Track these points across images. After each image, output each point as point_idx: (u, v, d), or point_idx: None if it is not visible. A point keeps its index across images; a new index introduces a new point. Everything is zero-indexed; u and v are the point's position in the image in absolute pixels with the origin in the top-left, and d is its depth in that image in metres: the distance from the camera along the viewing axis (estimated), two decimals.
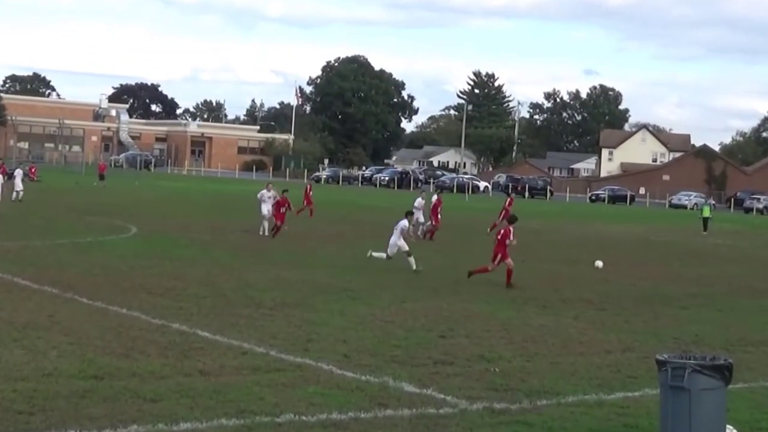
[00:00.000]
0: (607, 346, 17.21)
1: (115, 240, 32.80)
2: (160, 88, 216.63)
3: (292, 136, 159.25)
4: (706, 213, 58.79)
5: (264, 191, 38.97)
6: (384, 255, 28.19)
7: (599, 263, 30.04)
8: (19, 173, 53.67)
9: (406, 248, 27.94)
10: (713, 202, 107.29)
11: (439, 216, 40.94)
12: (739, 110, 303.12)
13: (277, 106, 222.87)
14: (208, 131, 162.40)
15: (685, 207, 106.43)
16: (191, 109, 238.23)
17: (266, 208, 37.85)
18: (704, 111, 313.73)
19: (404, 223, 28.79)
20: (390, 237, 28.59)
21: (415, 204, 40.40)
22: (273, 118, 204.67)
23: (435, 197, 42.11)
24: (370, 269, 27.43)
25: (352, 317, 18.72)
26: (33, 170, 79.19)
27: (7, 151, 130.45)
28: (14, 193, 50.21)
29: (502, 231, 26.12)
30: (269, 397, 12.17)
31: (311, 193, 52.33)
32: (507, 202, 48.23)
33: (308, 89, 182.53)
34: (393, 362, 14.71)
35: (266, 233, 36.68)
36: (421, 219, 40.23)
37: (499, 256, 25.45)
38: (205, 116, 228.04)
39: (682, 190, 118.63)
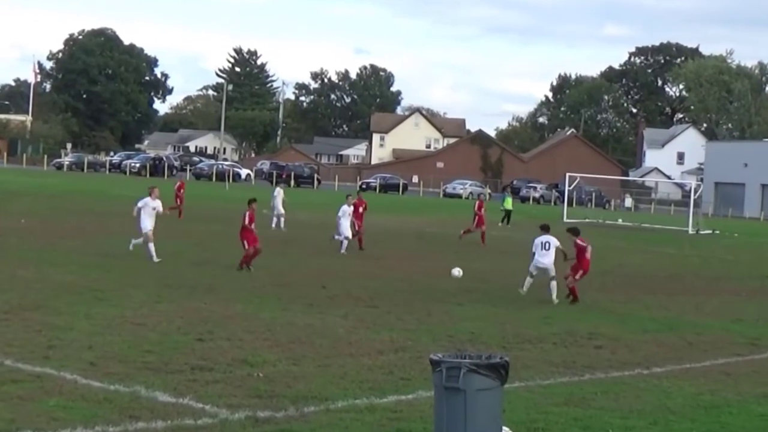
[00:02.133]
0: (379, 346, 17.49)
1: None
2: None
3: (29, 118, 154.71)
4: (509, 205, 59.31)
5: (147, 199, 29.94)
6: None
7: (456, 272, 28.10)
8: None
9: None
10: (488, 191, 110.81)
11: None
12: (515, 94, 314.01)
13: (12, 84, 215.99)
14: None
15: (460, 196, 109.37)
16: None
17: (150, 223, 29.38)
18: (479, 94, 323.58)
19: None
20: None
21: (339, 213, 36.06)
22: (7, 97, 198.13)
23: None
24: (119, 267, 26.98)
25: (99, 320, 18.36)
26: None
27: None
28: None
29: (580, 247, 25.17)
30: (4, 412, 11.80)
31: (182, 191, 49.66)
32: (477, 206, 45.53)
33: (48, 65, 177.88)
34: (145, 369, 14.52)
35: (154, 258, 28.59)
36: (348, 234, 35.89)
37: (580, 271, 24.98)
38: None
39: (456, 178, 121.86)
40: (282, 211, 44.21)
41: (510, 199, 61.01)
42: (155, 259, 28.35)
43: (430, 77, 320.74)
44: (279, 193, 45.22)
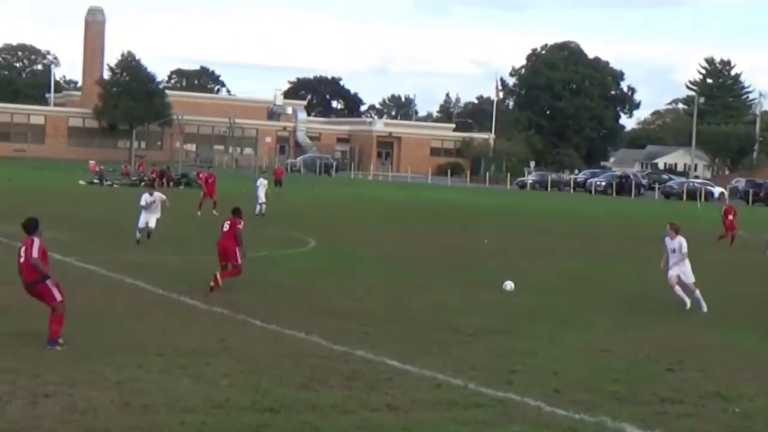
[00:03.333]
0: None
1: (293, 254, 33.41)
2: (341, 82, 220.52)
3: (492, 135, 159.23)
4: None
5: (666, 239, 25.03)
6: None
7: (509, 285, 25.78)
8: (262, 183, 51.96)
9: None
10: None
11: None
12: None
13: (475, 101, 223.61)
14: (397, 130, 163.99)
15: None
16: (377, 106, 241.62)
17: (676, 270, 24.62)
18: None
19: None
20: None
21: None
22: (470, 115, 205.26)
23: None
24: (584, 290, 27.15)
25: (563, 346, 18.56)
26: (201, 176, 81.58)
27: (172, 154, 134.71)
28: (257, 206, 50.00)
29: None
30: None
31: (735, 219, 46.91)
32: None
33: (511, 81, 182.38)
34: (612, 399, 14.52)
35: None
36: None
37: None
38: (393, 113, 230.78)
39: None
40: None
41: None
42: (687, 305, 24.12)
43: None
44: None
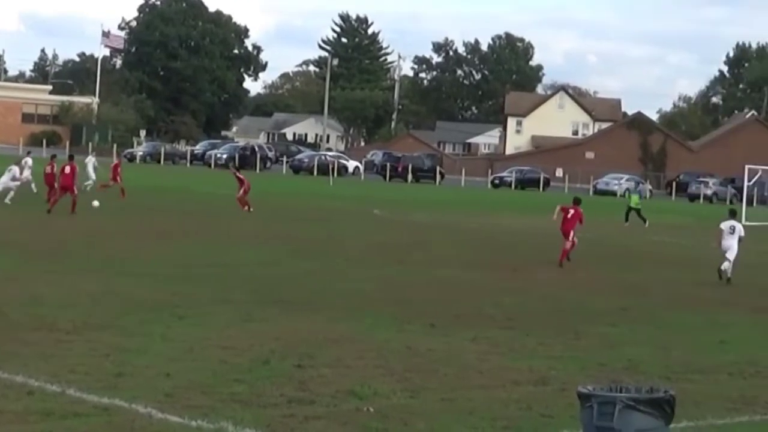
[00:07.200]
0: (515, 375, 17.41)
1: None
2: None
3: (96, 100, 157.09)
4: (634, 202, 60.56)
5: None
6: None
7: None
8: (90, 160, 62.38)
9: None
10: (649, 187, 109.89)
11: None
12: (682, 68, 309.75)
13: (77, 59, 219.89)
14: None
15: (614, 193, 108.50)
16: None
17: None
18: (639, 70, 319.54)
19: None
20: None
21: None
22: (71, 75, 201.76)
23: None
24: (202, 278, 27.25)
25: (178, 342, 18.55)
26: None
27: None
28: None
29: None
30: None
31: None
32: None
33: (120, 36, 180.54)
34: (233, 402, 14.65)
35: None
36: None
37: None
38: None
39: (610, 172, 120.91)
40: None
41: (636, 197, 63.19)
42: None
43: (577, 50, 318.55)
44: None
